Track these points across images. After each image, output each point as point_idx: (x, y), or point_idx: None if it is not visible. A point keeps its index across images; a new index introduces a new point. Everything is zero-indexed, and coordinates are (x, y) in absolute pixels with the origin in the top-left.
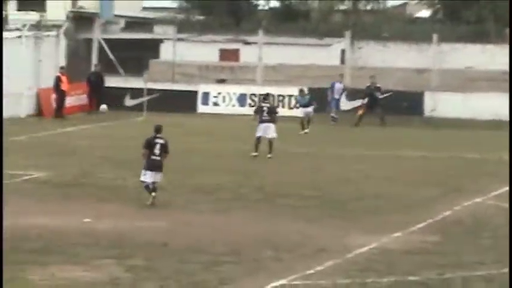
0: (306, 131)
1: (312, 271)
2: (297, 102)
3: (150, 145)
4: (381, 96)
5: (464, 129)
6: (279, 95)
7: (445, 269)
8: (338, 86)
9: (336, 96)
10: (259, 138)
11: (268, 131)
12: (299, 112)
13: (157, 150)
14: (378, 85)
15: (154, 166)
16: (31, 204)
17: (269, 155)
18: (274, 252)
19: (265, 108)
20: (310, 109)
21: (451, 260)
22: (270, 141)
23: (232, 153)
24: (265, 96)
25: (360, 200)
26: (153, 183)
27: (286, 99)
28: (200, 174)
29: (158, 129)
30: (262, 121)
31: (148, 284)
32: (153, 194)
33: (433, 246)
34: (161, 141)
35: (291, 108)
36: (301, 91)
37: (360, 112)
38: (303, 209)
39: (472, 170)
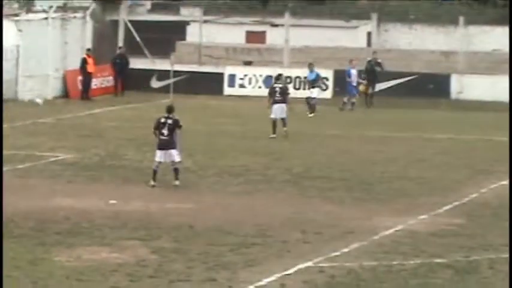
0: (310, 115)
1: (338, 253)
2: (305, 78)
3: (158, 125)
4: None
5: (491, 111)
6: (305, 77)
7: (471, 252)
8: (353, 71)
9: (354, 83)
10: (275, 121)
11: (281, 111)
12: (307, 92)
13: (165, 130)
14: (379, 60)
15: (162, 145)
16: (58, 186)
17: (285, 129)
18: (301, 234)
19: (277, 89)
20: (315, 92)
21: (478, 242)
22: (283, 120)
23: (259, 135)
24: (278, 77)
25: (386, 182)
26: (172, 163)
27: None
28: (227, 156)
29: (170, 110)
30: (275, 101)
31: (175, 265)
32: (177, 182)
33: (459, 229)
34: (169, 121)
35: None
36: (310, 64)
37: (364, 89)
38: (330, 191)
39: (499, 152)
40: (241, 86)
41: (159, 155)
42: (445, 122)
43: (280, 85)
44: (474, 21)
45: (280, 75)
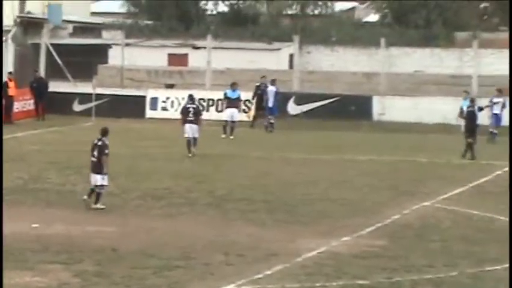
0: (231, 137)
1: (261, 275)
2: (225, 96)
3: (91, 147)
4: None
5: (413, 133)
6: (225, 94)
7: (394, 273)
8: (270, 89)
9: (270, 104)
10: (189, 140)
11: (193, 131)
12: (225, 114)
13: (95, 152)
14: (268, 84)
15: (91, 167)
16: None
17: (193, 149)
18: (224, 256)
19: (190, 109)
20: (236, 112)
21: (400, 264)
22: (195, 139)
23: (182, 158)
24: (190, 98)
25: (308, 204)
26: (95, 187)
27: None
28: (150, 179)
29: (103, 132)
30: (187, 122)
31: None
32: (96, 205)
33: (382, 250)
34: (100, 143)
35: (245, 112)
36: (234, 84)
37: (250, 114)
38: (252, 213)
39: (421, 173)
40: (164, 108)
41: (91, 177)
42: (367, 144)
43: (194, 105)
44: (395, 43)
45: (192, 96)
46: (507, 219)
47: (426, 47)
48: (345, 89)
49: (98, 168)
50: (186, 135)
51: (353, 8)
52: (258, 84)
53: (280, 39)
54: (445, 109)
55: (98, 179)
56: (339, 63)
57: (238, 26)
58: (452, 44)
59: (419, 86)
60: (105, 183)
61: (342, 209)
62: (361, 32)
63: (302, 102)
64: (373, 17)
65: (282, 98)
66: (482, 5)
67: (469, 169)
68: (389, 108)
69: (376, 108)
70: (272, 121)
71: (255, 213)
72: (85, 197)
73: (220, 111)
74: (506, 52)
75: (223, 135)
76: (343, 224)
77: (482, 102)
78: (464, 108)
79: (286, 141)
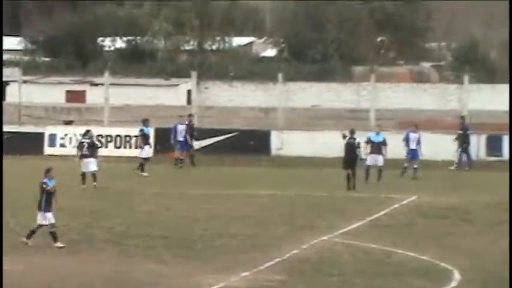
0: (146, 174)
1: None
2: (141, 132)
3: (79, 146)
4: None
5: (311, 167)
6: (126, 136)
7: None
8: (180, 127)
9: (180, 138)
10: (84, 173)
11: (90, 165)
12: (144, 151)
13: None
14: (193, 123)
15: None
16: None
17: (94, 183)
18: None
19: (85, 144)
20: (147, 151)
21: None
22: (94, 174)
23: (81, 194)
24: (86, 133)
25: (208, 239)
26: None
27: (133, 140)
28: None
29: (46, 171)
30: (83, 156)
31: None
32: (58, 244)
33: (280, 285)
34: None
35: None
36: (145, 121)
37: (177, 154)
38: (151, 249)
39: (320, 207)
40: (62, 145)
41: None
42: (266, 178)
43: (88, 140)
44: (293, 78)
45: (88, 131)
46: (405, 252)
47: (323, 82)
48: (244, 124)
49: (44, 206)
50: (83, 169)
51: (251, 43)
52: (186, 123)
53: (178, 74)
54: (342, 143)
55: (49, 217)
56: (237, 99)
57: (136, 62)
58: (350, 78)
59: (317, 120)
60: (52, 221)
61: (241, 244)
62: (258, 67)
63: (201, 137)
64: (271, 52)
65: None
66: (379, 39)
67: (367, 203)
68: (287, 143)
69: (275, 142)
70: (182, 157)
71: (154, 249)
72: (24, 239)
73: (119, 147)
74: (403, 86)
75: (145, 174)
76: (242, 259)
77: (398, 137)
78: (375, 140)
79: (185, 177)
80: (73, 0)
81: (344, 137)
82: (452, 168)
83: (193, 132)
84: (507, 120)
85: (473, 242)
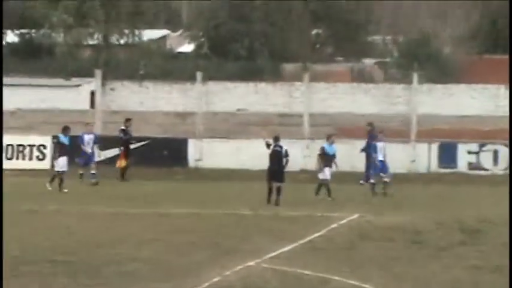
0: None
1: None
2: (57, 141)
3: None
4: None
5: (235, 180)
6: (19, 145)
7: None
8: (87, 137)
9: (89, 150)
10: None
11: None
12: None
13: None
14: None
15: None
16: None
17: None
18: None
19: None
20: (65, 161)
21: None
22: None
23: None
24: None
25: (116, 265)
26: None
27: (28, 150)
28: None
29: None
30: None
31: None
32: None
33: None
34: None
35: (40, 159)
36: (65, 129)
37: (121, 163)
38: (52, 276)
39: (245, 228)
40: None
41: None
42: (183, 194)
43: None
44: (214, 77)
45: None
46: (341, 279)
47: (249, 81)
48: (156, 131)
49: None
50: None
51: (164, 37)
52: (123, 127)
53: (79, 74)
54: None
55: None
56: (149, 102)
57: (30, 58)
58: (280, 77)
59: (242, 126)
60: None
61: (154, 270)
62: (173, 65)
63: (106, 147)
64: (188, 47)
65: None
66: (314, 32)
67: (300, 222)
68: (207, 153)
69: (192, 153)
70: (94, 171)
71: (55, 276)
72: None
73: (10, 158)
74: (342, 86)
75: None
76: None
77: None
78: (330, 151)
79: (87, 193)
80: None
81: (268, 145)
82: (361, 182)
83: (130, 140)
84: (461, 126)
85: (423, 268)
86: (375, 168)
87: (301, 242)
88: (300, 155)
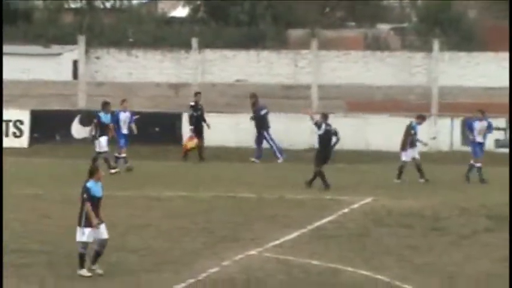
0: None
1: None
2: (98, 121)
3: None
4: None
5: (234, 160)
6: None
7: None
8: (124, 115)
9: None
10: None
11: None
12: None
13: None
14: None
15: None
16: None
17: None
18: None
19: None
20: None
21: None
22: None
23: None
24: None
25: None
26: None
27: (3, 126)
28: None
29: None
30: None
31: None
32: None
33: None
34: None
35: (17, 136)
36: (106, 104)
37: (191, 143)
38: (29, 268)
39: (246, 213)
40: None
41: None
42: (176, 176)
43: None
44: (211, 44)
45: None
46: (353, 269)
47: (250, 49)
48: (147, 105)
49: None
50: None
51: (155, 0)
52: (192, 103)
53: (61, 41)
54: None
55: (77, 234)
56: (138, 72)
57: (6, 24)
58: (285, 44)
59: (242, 99)
60: (85, 239)
61: (144, 260)
62: (166, 31)
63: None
64: (182, 11)
65: (65, 118)
66: None
67: (308, 207)
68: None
69: (187, 129)
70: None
71: (32, 267)
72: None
73: None
74: (354, 54)
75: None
76: (146, 279)
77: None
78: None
79: (69, 173)
80: None
81: (317, 124)
82: (252, 159)
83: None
84: (488, 99)
85: (444, 258)
86: (475, 153)
87: (309, 228)
88: (307, 132)
